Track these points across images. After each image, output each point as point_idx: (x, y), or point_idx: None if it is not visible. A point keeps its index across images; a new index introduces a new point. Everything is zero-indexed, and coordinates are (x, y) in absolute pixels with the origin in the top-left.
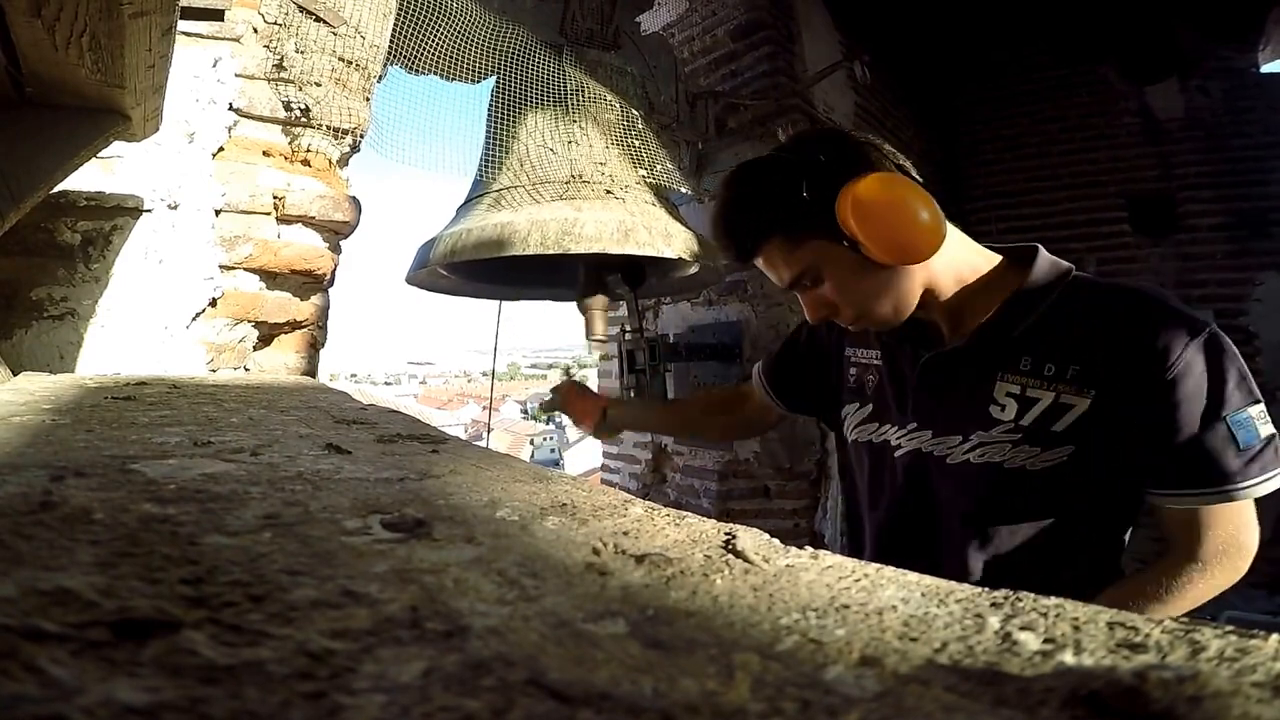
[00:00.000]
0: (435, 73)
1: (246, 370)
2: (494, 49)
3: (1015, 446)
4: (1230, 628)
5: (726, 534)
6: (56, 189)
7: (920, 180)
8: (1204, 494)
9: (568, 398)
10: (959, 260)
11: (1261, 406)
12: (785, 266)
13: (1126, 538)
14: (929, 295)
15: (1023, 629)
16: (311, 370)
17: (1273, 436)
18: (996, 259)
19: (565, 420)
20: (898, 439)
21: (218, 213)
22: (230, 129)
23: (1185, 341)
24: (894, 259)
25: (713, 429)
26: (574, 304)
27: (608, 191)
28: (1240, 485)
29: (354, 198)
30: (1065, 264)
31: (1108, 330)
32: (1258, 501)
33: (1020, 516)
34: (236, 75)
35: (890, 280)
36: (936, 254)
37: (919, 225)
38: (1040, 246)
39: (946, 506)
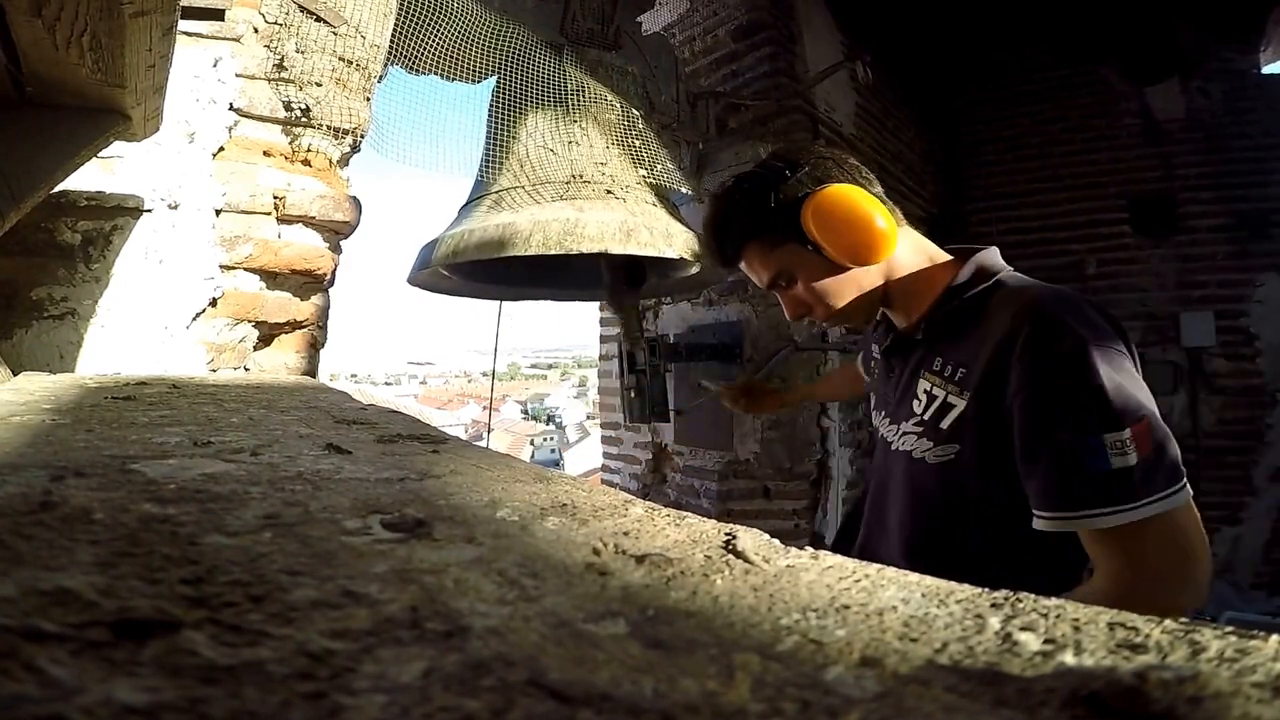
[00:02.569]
0: (436, 72)
1: (247, 370)
2: (494, 49)
3: (919, 438)
4: (1230, 628)
5: (727, 534)
6: (57, 189)
7: (878, 192)
8: (1057, 517)
9: (747, 398)
10: (910, 261)
11: (1124, 433)
12: (763, 269)
13: (1048, 546)
14: (888, 293)
15: (1023, 629)
16: (312, 370)
17: (1130, 468)
18: (946, 259)
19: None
20: (879, 424)
21: (218, 213)
22: (230, 129)
23: (1050, 356)
24: (850, 260)
25: (843, 391)
26: (574, 304)
27: (608, 192)
28: (1084, 513)
29: (354, 198)
30: (997, 266)
31: (990, 334)
32: (1252, 504)
33: (932, 508)
34: (237, 75)
35: (851, 280)
36: (891, 255)
37: (871, 230)
38: (986, 249)
39: (894, 494)
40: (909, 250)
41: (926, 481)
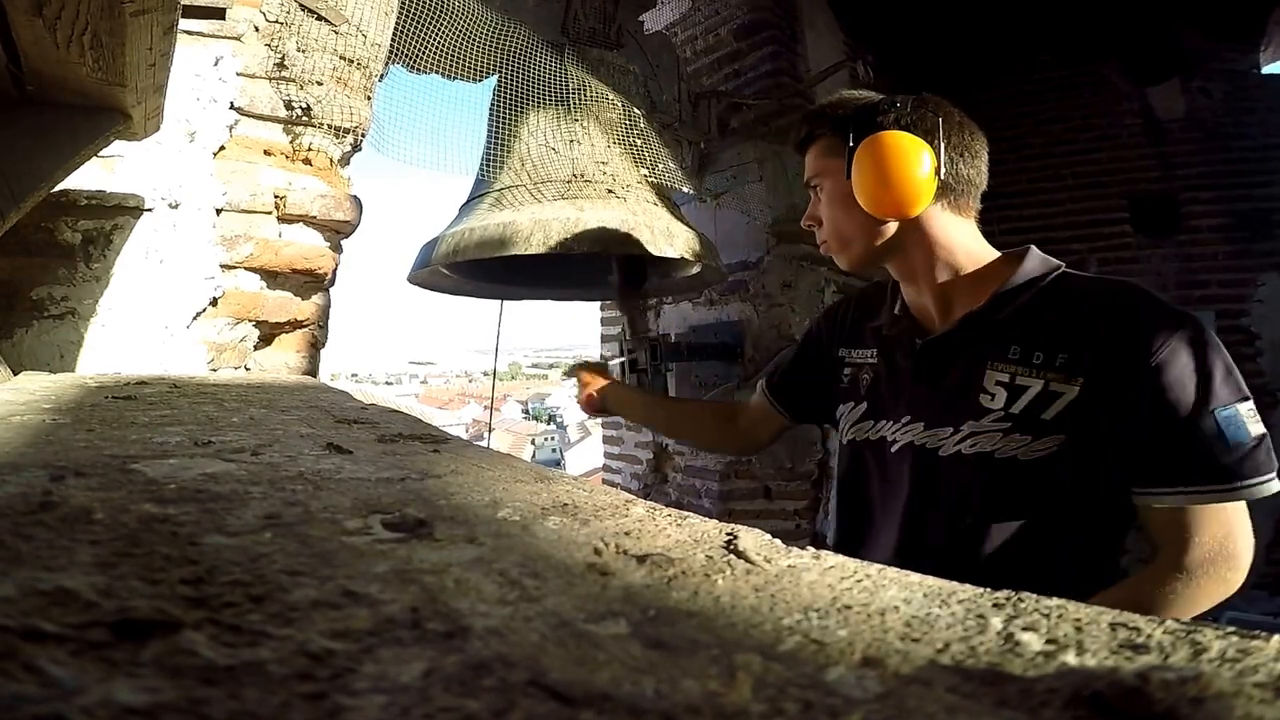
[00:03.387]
0: (437, 71)
1: (247, 370)
2: (496, 48)
3: (1006, 435)
4: (1232, 629)
5: (728, 534)
6: (57, 188)
7: (956, 167)
8: (1188, 493)
9: (584, 369)
10: (956, 247)
11: (1250, 404)
12: (810, 165)
13: (1121, 545)
14: (920, 278)
15: (1025, 630)
16: (312, 370)
17: (1264, 436)
18: (995, 255)
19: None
20: (893, 434)
21: (219, 212)
22: (231, 128)
23: (1171, 331)
24: (862, 201)
25: (700, 434)
26: (575, 303)
27: (609, 191)
28: (1227, 486)
29: (355, 197)
30: (1056, 260)
31: (1095, 318)
32: (1253, 507)
33: (1013, 511)
34: (238, 74)
35: (861, 223)
36: (916, 226)
37: (891, 189)
38: (1033, 247)
39: (941, 503)
40: (961, 237)
41: (1011, 480)
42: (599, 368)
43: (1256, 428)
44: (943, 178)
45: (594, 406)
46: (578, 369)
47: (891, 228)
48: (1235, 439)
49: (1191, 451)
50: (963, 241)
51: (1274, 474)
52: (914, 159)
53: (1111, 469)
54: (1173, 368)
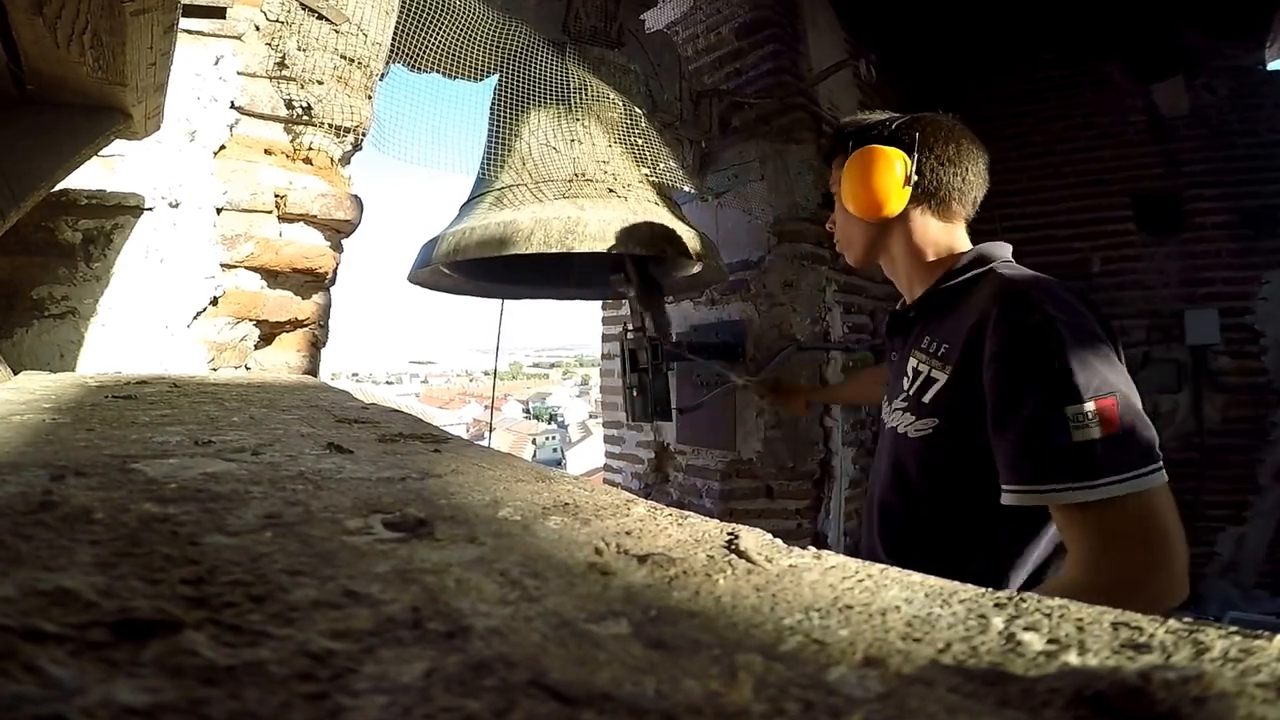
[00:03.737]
0: (438, 70)
1: (248, 369)
2: (497, 46)
3: (903, 413)
4: (1234, 628)
5: (729, 534)
6: (57, 187)
7: (937, 173)
8: (1008, 490)
9: (776, 393)
10: (929, 246)
11: (1089, 405)
12: (832, 177)
13: (1019, 529)
14: (899, 273)
15: (1027, 629)
16: (313, 369)
17: (1092, 443)
18: (962, 249)
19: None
20: (883, 412)
21: (219, 211)
22: (232, 127)
23: (1019, 327)
24: (848, 206)
25: (865, 395)
26: (576, 303)
27: (610, 190)
28: (1031, 487)
29: (356, 196)
30: (995, 256)
31: (972, 312)
32: (1256, 503)
33: (906, 484)
34: (238, 73)
35: (855, 224)
36: (897, 228)
37: (867, 194)
38: (997, 244)
39: (881, 475)
40: (932, 235)
41: (906, 455)
42: (778, 384)
43: (1088, 431)
44: (918, 183)
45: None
46: (773, 396)
47: (877, 229)
48: (1059, 440)
49: (1027, 450)
50: (937, 241)
51: (1099, 481)
52: (887, 168)
53: (981, 458)
54: (1006, 364)
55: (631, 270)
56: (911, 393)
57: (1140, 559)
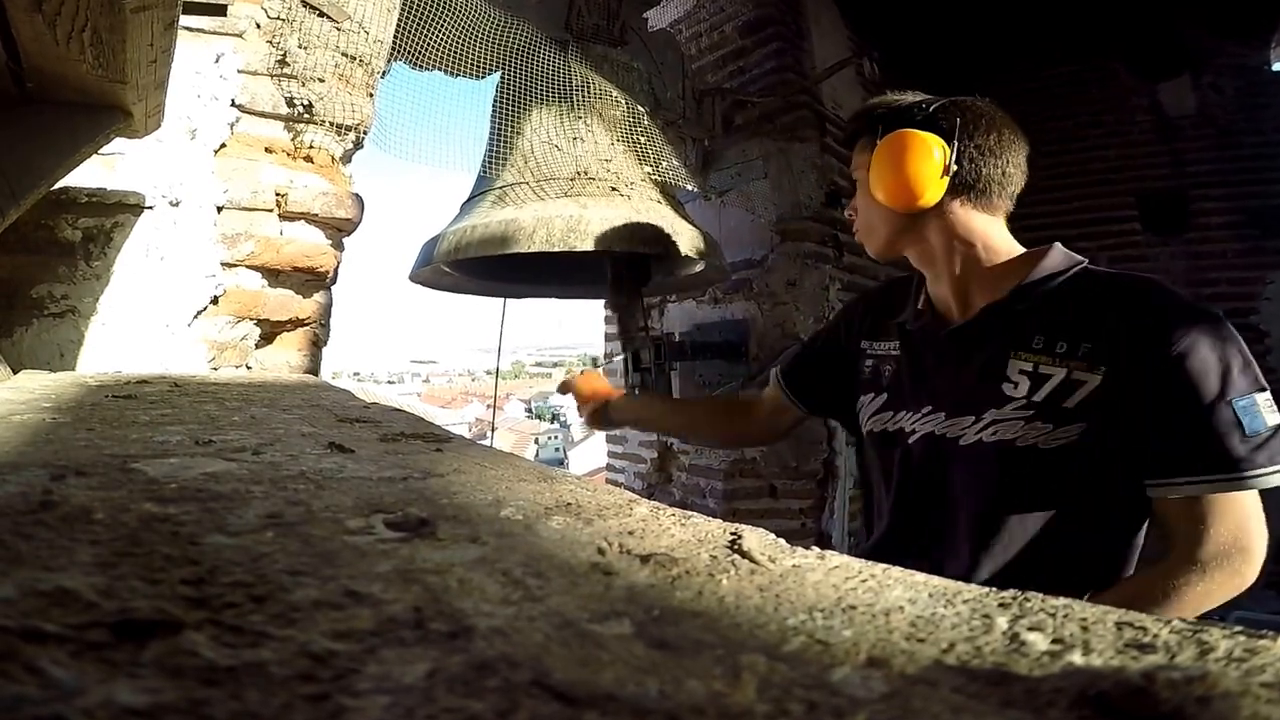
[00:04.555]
0: (439, 68)
1: (248, 368)
2: (499, 44)
3: (1028, 424)
4: (1239, 628)
5: (732, 534)
6: (57, 186)
7: (976, 164)
8: (1204, 481)
9: (579, 383)
10: (976, 241)
11: (1268, 395)
12: (853, 160)
13: (1138, 542)
14: (940, 268)
15: (1031, 629)
16: (314, 368)
17: (1278, 427)
18: (1018, 251)
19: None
20: (911, 424)
21: (220, 210)
22: (232, 125)
23: (1191, 323)
24: (877, 194)
25: (718, 432)
26: (579, 301)
27: (613, 189)
28: (1244, 474)
29: (357, 195)
30: (1079, 256)
31: (1118, 310)
32: (1268, 504)
33: (1031, 502)
34: (239, 71)
35: (882, 213)
36: (935, 220)
37: (900, 182)
38: (1057, 244)
39: (958, 493)
40: (984, 232)
41: (1031, 468)
42: (593, 377)
43: (1273, 418)
44: (957, 174)
45: (598, 421)
46: (569, 385)
47: (910, 218)
48: (1251, 428)
49: (1208, 441)
50: (983, 236)
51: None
52: (924, 154)
53: (1128, 461)
54: (1192, 358)
55: (609, 269)
56: (1040, 399)
57: (1258, 550)
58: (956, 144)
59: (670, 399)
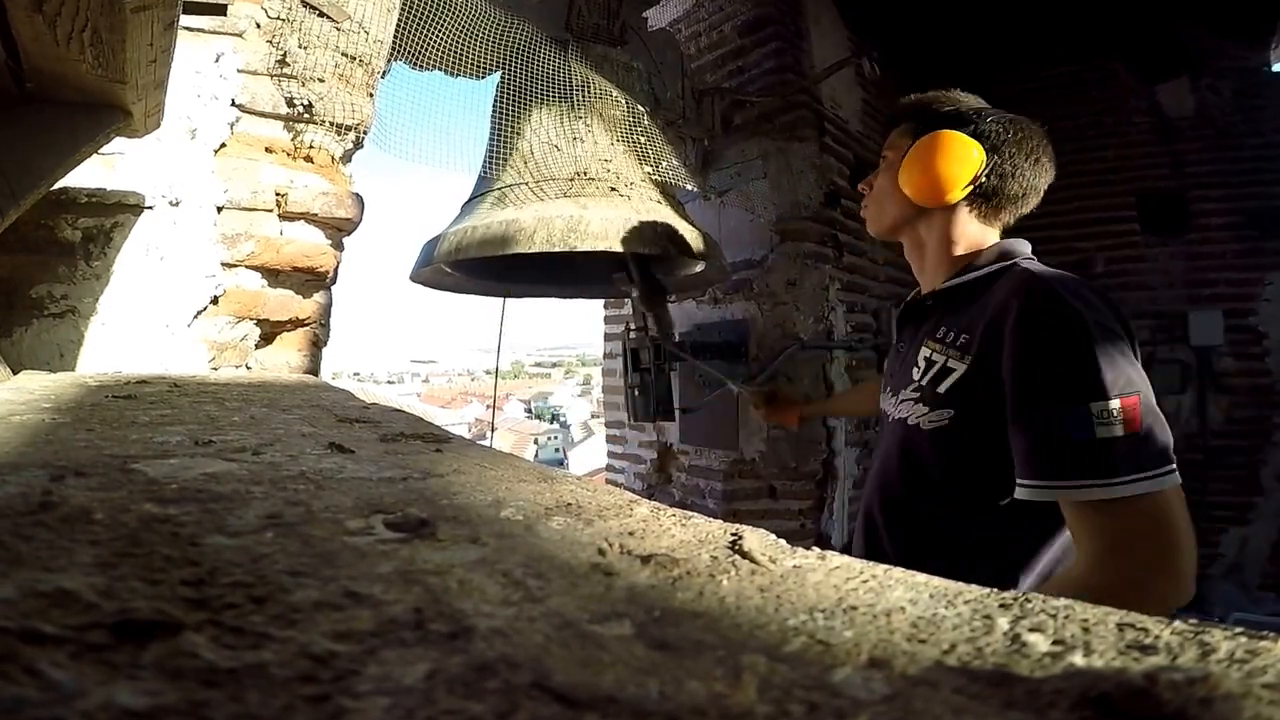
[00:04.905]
0: (439, 68)
1: (248, 368)
2: (499, 44)
3: (914, 404)
4: (1240, 629)
5: (733, 534)
6: (57, 185)
7: (1002, 180)
8: (1025, 485)
9: (771, 408)
10: (958, 236)
11: (1113, 403)
12: (888, 140)
13: (1052, 542)
14: (925, 262)
15: (1032, 630)
16: (314, 369)
17: (1114, 440)
18: (988, 245)
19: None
20: (884, 403)
21: (219, 210)
22: (232, 125)
23: (1043, 321)
24: (902, 184)
25: (861, 408)
26: (578, 301)
27: (613, 189)
28: (1073, 483)
29: (357, 195)
30: (1019, 252)
31: (993, 304)
32: (1260, 504)
33: (919, 480)
34: (239, 71)
35: (895, 199)
36: (937, 219)
37: (926, 178)
38: (1018, 241)
39: (884, 466)
40: (967, 233)
41: (917, 447)
42: (775, 395)
43: (1111, 429)
44: (983, 185)
45: (803, 424)
46: (768, 409)
47: (916, 213)
48: (1079, 437)
49: (1042, 446)
50: (969, 238)
51: (1117, 479)
52: (962, 160)
53: (997, 451)
54: (1030, 356)
55: (634, 269)
56: (924, 382)
57: (1150, 560)
58: (995, 157)
59: (846, 391)
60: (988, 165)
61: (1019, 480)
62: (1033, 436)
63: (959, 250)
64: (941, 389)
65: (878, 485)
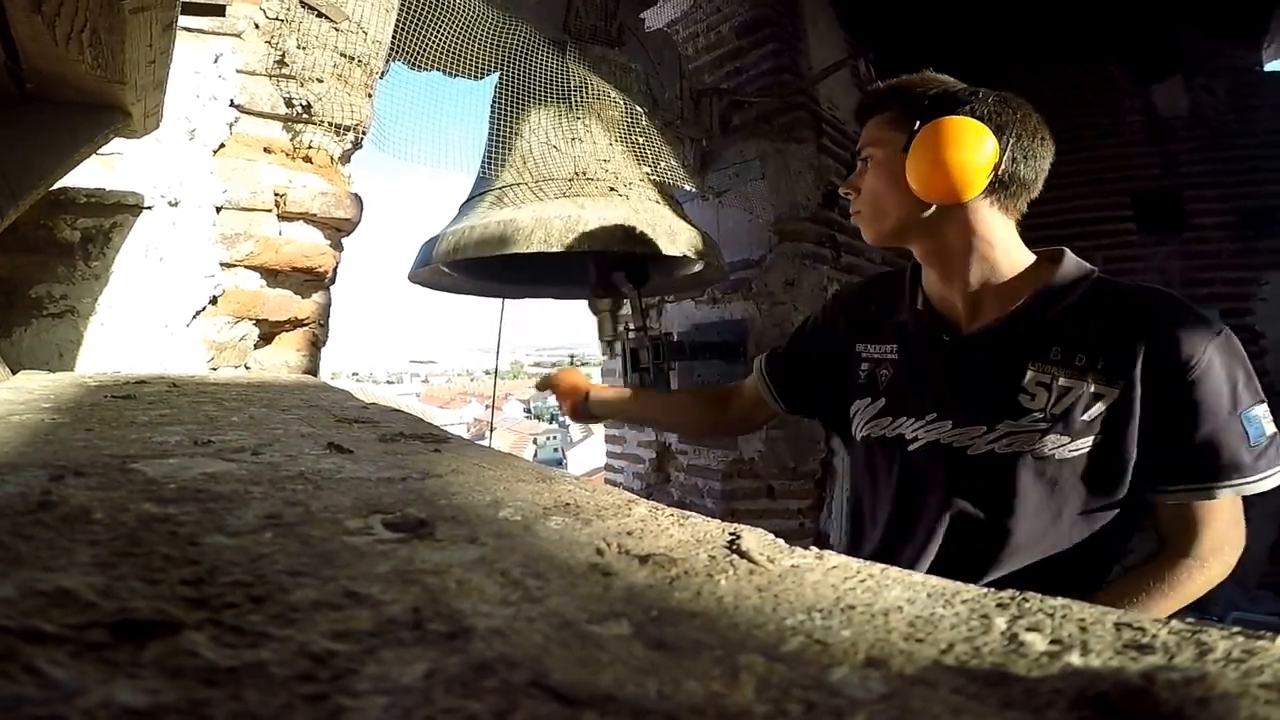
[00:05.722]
0: (438, 69)
1: (247, 369)
2: (497, 45)
3: (1044, 436)
4: (1237, 629)
5: (731, 534)
6: (56, 186)
7: (1015, 166)
8: (1215, 487)
9: (559, 379)
10: (995, 244)
11: (1265, 406)
12: (867, 134)
13: (1127, 546)
14: (954, 269)
15: (1029, 630)
16: (313, 369)
17: (1275, 435)
18: (1030, 256)
19: (568, 420)
20: (914, 432)
21: (219, 210)
22: (231, 125)
23: (1207, 342)
24: (912, 181)
25: (693, 422)
26: (578, 301)
27: (611, 189)
28: (1248, 479)
29: (356, 195)
30: (1090, 265)
31: (1135, 326)
32: (1259, 504)
33: (1039, 511)
34: (238, 71)
35: (901, 200)
36: (960, 218)
37: (945, 174)
38: (1067, 250)
39: (960, 500)
40: (1006, 237)
41: (1048, 479)
42: (572, 373)
43: (1270, 426)
44: (1000, 174)
45: (580, 415)
46: (548, 382)
47: (932, 211)
48: (1255, 438)
49: (1220, 452)
50: (1002, 240)
51: (1273, 471)
52: (975, 147)
53: (1135, 470)
54: (1209, 379)
55: (593, 269)
56: (1057, 411)
57: (1242, 541)
58: (1005, 140)
59: (648, 391)
60: (1004, 150)
61: (1190, 485)
62: (1223, 445)
63: (1004, 257)
64: (1088, 416)
65: (923, 528)
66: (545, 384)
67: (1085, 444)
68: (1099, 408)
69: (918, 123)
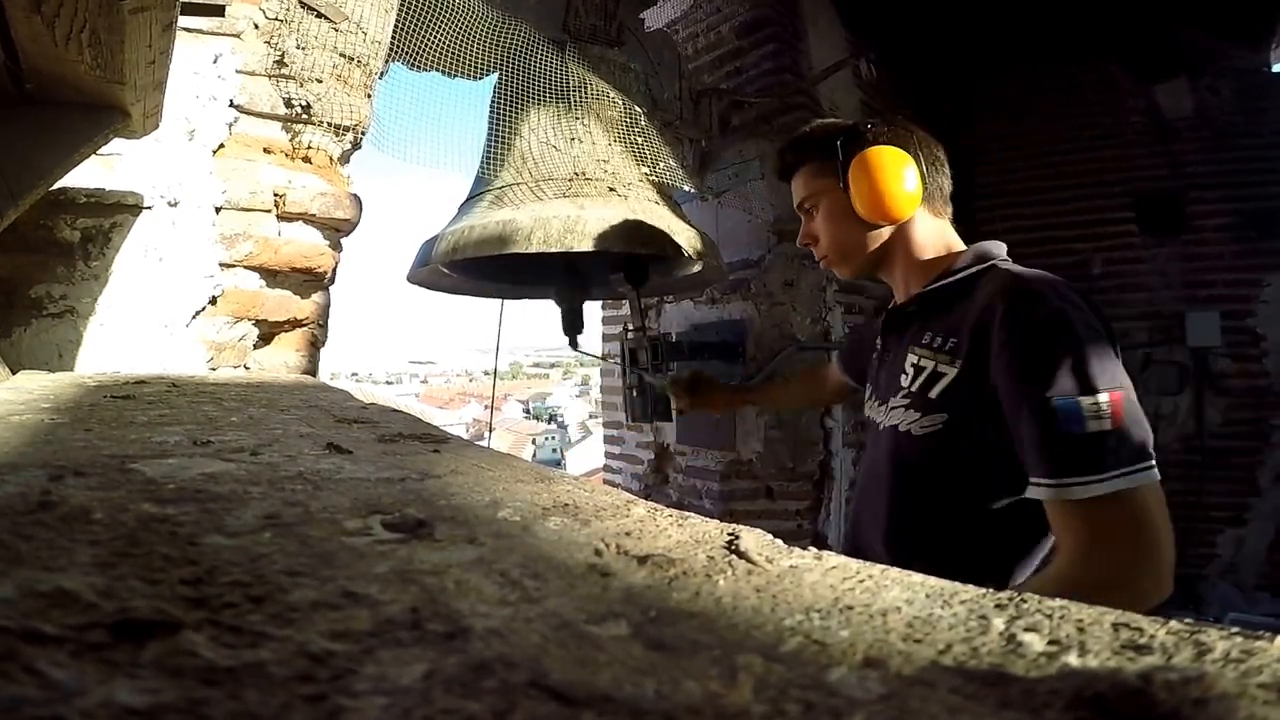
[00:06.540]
0: (437, 69)
1: (247, 369)
2: (496, 45)
3: (906, 410)
4: (1235, 629)
5: (729, 535)
6: (56, 186)
7: (932, 178)
8: (1040, 485)
9: (690, 397)
10: (928, 245)
11: (1098, 399)
12: (802, 190)
13: (1045, 542)
14: (898, 272)
15: (1027, 630)
16: (312, 369)
17: (1103, 434)
18: (960, 248)
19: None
20: (869, 412)
21: (218, 210)
22: (231, 126)
23: (1029, 318)
24: (864, 212)
25: (802, 401)
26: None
27: (610, 189)
28: (1054, 481)
29: (355, 195)
30: (994, 254)
31: (977, 305)
32: (1257, 504)
33: (915, 486)
34: (237, 71)
35: (858, 232)
36: (900, 222)
37: (891, 195)
38: (994, 243)
39: (877, 472)
40: (930, 234)
41: (910, 453)
42: (697, 384)
43: (1096, 424)
44: (926, 183)
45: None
46: (692, 402)
47: (885, 233)
48: (1064, 430)
49: (1028, 437)
50: (933, 239)
51: (1105, 474)
52: (902, 169)
53: (1004, 455)
54: (1019, 354)
55: (560, 269)
56: (915, 389)
57: (1130, 556)
58: (915, 154)
59: (754, 387)
60: (921, 166)
61: (1033, 480)
62: (1033, 434)
63: (929, 254)
64: (933, 394)
65: (867, 492)
66: (684, 400)
67: (936, 421)
68: (942, 384)
69: (842, 160)
